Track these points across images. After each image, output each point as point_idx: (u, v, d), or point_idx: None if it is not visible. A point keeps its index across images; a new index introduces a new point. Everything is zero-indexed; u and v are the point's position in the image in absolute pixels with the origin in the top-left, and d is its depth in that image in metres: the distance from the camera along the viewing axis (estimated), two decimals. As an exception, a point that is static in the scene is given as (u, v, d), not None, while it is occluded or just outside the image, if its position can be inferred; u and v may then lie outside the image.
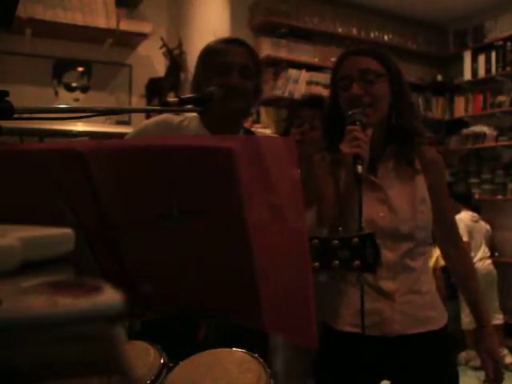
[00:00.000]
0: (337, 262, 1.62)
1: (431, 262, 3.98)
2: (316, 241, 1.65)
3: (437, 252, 3.90)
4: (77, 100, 3.74)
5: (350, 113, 1.37)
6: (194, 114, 1.61)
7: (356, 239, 1.61)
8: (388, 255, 1.42)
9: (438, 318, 1.45)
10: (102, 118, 3.45)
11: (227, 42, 1.60)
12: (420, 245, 1.44)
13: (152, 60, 3.97)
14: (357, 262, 1.61)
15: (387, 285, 1.43)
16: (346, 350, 1.46)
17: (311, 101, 1.86)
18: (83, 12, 3.45)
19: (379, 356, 1.41)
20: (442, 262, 3.81)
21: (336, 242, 1.63)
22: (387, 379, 1.49)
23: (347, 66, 1.44)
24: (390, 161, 1.47)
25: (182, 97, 1.14)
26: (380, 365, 1.43)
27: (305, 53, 4.41)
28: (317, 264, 1.65)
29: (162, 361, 0.93)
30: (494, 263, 4.30)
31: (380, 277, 1.42)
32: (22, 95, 3.31)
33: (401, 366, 1.43)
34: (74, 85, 3.75)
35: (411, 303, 1.42)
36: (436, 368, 1.43)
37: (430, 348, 1.43)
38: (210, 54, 1.59)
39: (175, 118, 1.62)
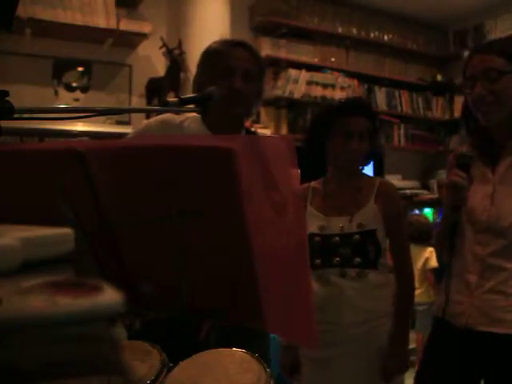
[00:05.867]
0: (338, 258, 1.63)
1: (419, 264, 3.94)
2: (318, 238, 1.66)
3: (426, 253, 3.87)
4: (77, 100, 3.74)
5: (458, 153, 1.46)
6: (196, 114, 1.61)
7: (357, 236, 1.62)
8: (477, 249, 1.44)
9: None
10: (102, 118, 3.45)
11: (231, 44, 1.58)
12: None
13: (152, 60, 3.97)
14: (357, 259, 1.62)
15: (471, 278, 1.44)
16: (438, 335, 1.55)
17: (358, 106, 1.69)
18: (83, 12, 3.45)
19: (463, 348, 1.45)
20: (432, 264, 3.76)
21: (337, 238, 1.63)
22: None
23: (472, 65, 1.46)
24: (510, 157, 1.46)
25: (182, 97, 1.14)
26: (468, 358, 1.45)
27: (305, 53, 4.40)
28: (318, 261, 1.65)
29: (162, 361, 0.93)
30: None
31: (467, 270, 1.45)
32: (22, 95, 3.30)
33: (483, 363, 1.44)
34: (74, 85, 3.75)
35: (490, 302, 1.41)
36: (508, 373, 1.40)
37: (503, 350, 1.40)
38: (213, 55, 1.57)
39: (176, 118, 1.61)
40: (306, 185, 1.78)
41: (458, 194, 1.43)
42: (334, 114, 1.68)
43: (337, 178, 1.73)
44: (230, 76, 1.51)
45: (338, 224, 1.66)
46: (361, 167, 1.76)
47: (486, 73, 1.41)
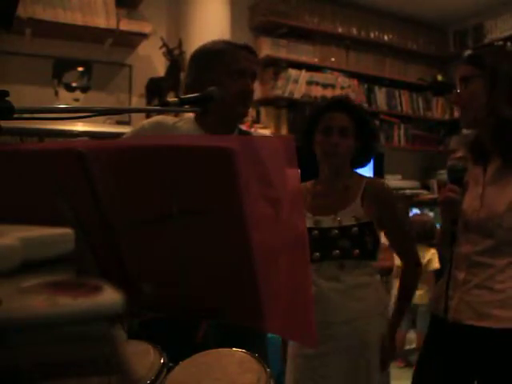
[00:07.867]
0: (337, 251, 1.64)
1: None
2: (316, 232, 1.67)
3: (429, 255, 3.87)
4: (77, 100, 3.74)
5: (449, 167, 1.50)
6: (190, 115, 1.61)
7: (355, 228, 1.64)
8: (465, 248, 1.50)
9: (504, 318, 1.41)
10: (102, 118, 3.45)
11: (238, 46, 1.58)
12: (504, 245, 1.45)
13: (152, 60, 3.97)
14: (356, 251, 1.64)
15: (459, 275, 1.50)
16: (437, 333, 1.57)
17: (340, 103, 1.73)
18: (83, 12, 3.45)
19: (454, 342, 1.49)
20: (434, 265, 3.75)
21: (336, 231, 1.65)
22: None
23: (455, 75, 1.64)
24: (499, 158, 1.50)
25: (182, 97, 1.14)
26: (459, 352, 1.49)
27: (305, 53, 4.40)
28: (317, 254, 1.66)
29: (161, 361, 0.93)
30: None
31: (456, 267, 1.51)
32: (22, 95, 3.31)
33: (474, 358, 1.47)
34: (73, 85, 3.75)
35: (476, 297, 1.46)
36: (493, 366, 1.44)
37: (490, 345, 1.43)
38: (218, 56, 1.56)
39: (170, 120, 1.62)
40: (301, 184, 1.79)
41: (452, 209, 1.48)
42: (316, 112, 1.75)
43: (326, 177, 1.75)
44: (242, 77, 1.53)
45: (328, 222, 1.68)
46: (355, 168, 1.78)
47: (461, 81, 1.54)
